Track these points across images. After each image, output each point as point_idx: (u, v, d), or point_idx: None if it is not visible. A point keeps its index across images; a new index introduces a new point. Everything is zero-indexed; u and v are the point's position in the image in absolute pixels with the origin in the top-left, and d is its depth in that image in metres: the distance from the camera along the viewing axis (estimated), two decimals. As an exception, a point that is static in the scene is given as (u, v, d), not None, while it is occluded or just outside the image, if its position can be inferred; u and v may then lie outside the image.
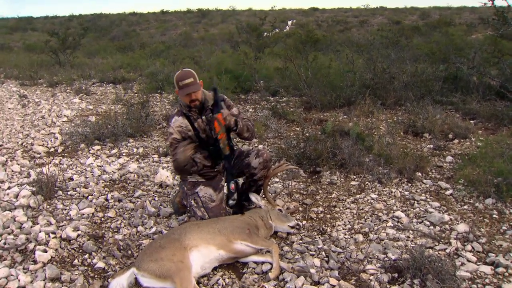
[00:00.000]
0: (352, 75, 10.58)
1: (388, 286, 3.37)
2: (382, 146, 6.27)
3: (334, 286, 3.32)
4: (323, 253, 3.83)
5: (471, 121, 8.27)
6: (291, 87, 11.03)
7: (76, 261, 3.69)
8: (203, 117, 4.19)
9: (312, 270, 3.47)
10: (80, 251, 3.86)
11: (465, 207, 4.74)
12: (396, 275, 3.49)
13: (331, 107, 9.69)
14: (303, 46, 11.80)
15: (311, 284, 3.36)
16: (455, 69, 10.48)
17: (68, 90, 12.71)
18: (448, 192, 5.09)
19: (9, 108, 10.14)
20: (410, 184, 5.37)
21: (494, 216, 4.50)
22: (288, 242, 4.09)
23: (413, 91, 9.70)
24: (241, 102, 10.47)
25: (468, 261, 3.71)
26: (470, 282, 3.44)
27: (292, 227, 4.18)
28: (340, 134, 6.66)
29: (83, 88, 12.42)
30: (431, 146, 6.87)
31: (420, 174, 5.64)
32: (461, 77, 10.20)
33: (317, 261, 3.66)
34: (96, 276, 3.50)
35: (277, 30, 19.38)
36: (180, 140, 4.09)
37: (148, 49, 19.76)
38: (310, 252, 3.85)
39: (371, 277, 3.47)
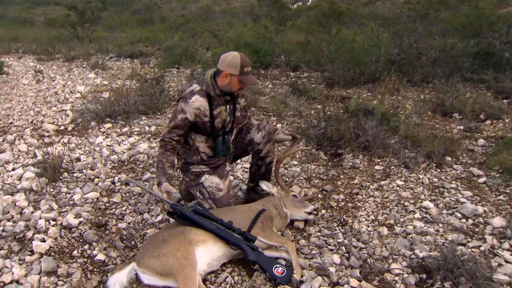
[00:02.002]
0: (377, 50, 10.03)
1: (415, 289, 3.01)
2: (409, 127, 5.83)
3: (355, 288, 2.99)
4: (343, 248, 3.48)
5: (504, 101, 7.71)
6: (312, 62, 10.54)
7: (75, 252, 3.43)
8: (229, 106, 3.84)
9: (331, 269, 3.13)
10: (81, 240, 3.60)
11: (501, 197, 4.32)
12: (424, 276, 3.13)
13: (354, 83, 9.22)
14: (326, 19, 11.30)
15: (329, 285, 3.03)
16: (486, 44, 9.83)
17: (84, 65, 12.48)
18: (481, 180, 4.65)
19: (24, 84, 9.96)
20: (439, 170, 4.95)
21: (534, 208, 4.07)
22: (305, 234, 3.75)
23: (441, 67, 9.14)
24: (260, 78, 10.05)
25: (506, 261, 3.31)
26: (508, 287, 3.06)
27: (309, 213, 3.84)
28: (363, 113, 6.22)
29: (100, 62, 12.16)
30: (461, 127, 6.39)
31: (449, 158, 5.20)
32: (493, 53, 9.55)
33: (336, 258, 3.32)
34: (95, 270, 3.24)
35: (299, 3, 18.73)
36: (187, 125, 3.68)
37: (167, 23, 19.36)
38: (329, 247, 3.51)
39: (396, 278, 3.11)
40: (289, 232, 3.75)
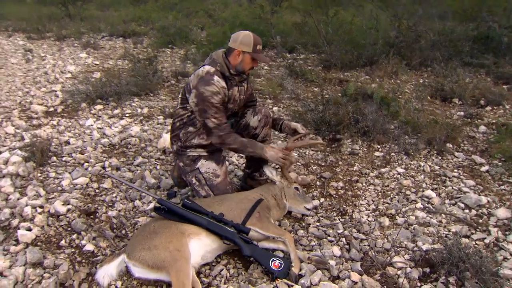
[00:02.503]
0: (375, 33, 9.84)
1: (419, 284, 2.88)
2: (409, 112, 5.68)
3: (356, 282, 2.85)
4: (344, 239, 3.34)
5: (504, 86, 7.58)
6: (309, 44, 10.32)
7: (63, 241, 3.25)
8: (240, 87, 3.70)
9: (332, 262, 2.99)
10: (69, 229, 3.42)
11: (504, 187, 4.20)
12: (427, 270, 3.00)
13: (352, 66, 9.06)
14: (324, 0, 11.01)
15: (329, 279, 2.89)
16: (486, 28, 9.65)
17: (75, 44, 12.16)
18: (483, 169, 4.53)
19: (12, 63, 9.65)
20: (440, 157, 4.81)
21: (539, 199, 3.96)
22: (303, 224, 3.60)
23: (440, 51, 8.98)
24: (256, 59, 9.80)
25: (512, 255, 3.20)
26: (515, 282, 2.94)
27: (308, 209, 3.69)
28: (362, 97, 6.05)
29: (91, 42, 11.84)
30: (462, 113, 6.26)
31: (451, 145, 5.06)
32: (493, 38, 9.39)
33: (336, 250, 3.18)
34: (83, 261, 3.07)
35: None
36: (223, 105, 3.50)
37: (161, 2, 18.91)
38: (329, 238, 3.37)
39: (399, 272, 2.98)
40: (287, 222, 3.60)
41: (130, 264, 2.80)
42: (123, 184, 3.99)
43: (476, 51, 9.07)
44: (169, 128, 5.59)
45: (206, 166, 3.62)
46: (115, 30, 13.65)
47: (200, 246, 2.94)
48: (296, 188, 3.67)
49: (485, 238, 3.39)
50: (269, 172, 3.67)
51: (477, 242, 3.35)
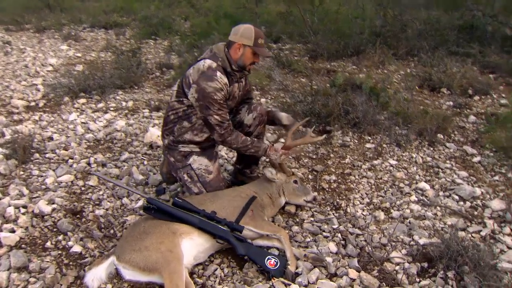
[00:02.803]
0: (361, 22, 9.77)
1: (417, 280, 2.82)
2: (399, 102, 5.62)
3: (354, 279, 2.78)
4: (339, 235, 3.27)
5: (491, 75, 7.58)
6: (295, 34, 10.19)
7: (48, 243, 3.11)
8: (239, 84, 3.58)
9: (329, 259, 2.92)
10: (54, 230, 3.28)
11: (496, 177, 4.18)
12: (425, 265, 2.95)
13: (338, 56, 8.95)
14: (309, -11, 10.89)
15: (326, 277, 2.82)
16: (470, 17, 9.65)
17: (56, 36, 11.81)
18: (475, 159, 4.50)
19: (-10, 56, 9.34)
20: (431, 148, 4.77)
21: (531, 189, 3.94)
22: (297, 220, 3.52)
23: (427, 40, 8.94)
24: (241, 50, 9.66)
25: (509, 248, 3.17)
26: (513, 275, 2.91)
27: (308, 202, 3.61)
28: (351, 88, 5.98)
29: (73, 33, 11.51)
30: (451, 103, 6.23)
31: (441, 136, 5.03)
32: (477, 26, 9.39)
33: (332, 246, 3.11)
34: (71, 263, 2.94)
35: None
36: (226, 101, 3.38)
37: (142, -9, 18.56)
38: (324, 234, 3.30)
39: (397, 268, 2.93)
40: (281, 218, 3.51)
41: (120, 267, 2.69)
42: (110, 182, 3.85)
43: (461, 40, 9.05)
44: (156, 122, 5.49)
45: (198, 162, 3.49)
46: (97, 21, 13.32)
47: (192, 246, 2.84)
48: (295, 181, 3.56)
49: (481, 231, 3.36)
50: (270, 173, 3.50)
51: (473, 235, 3.33)
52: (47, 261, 2.92)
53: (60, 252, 3.04)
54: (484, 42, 8.97)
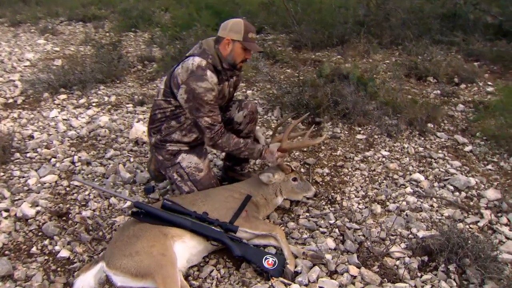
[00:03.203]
0: (345, 11, 9.69)
1: (419, 274, 2.76)
2: (388, 92, 5.56)
3: (355, 276, 2.71)
4: (337, 230, 3.18)
5: (475, 63, 7.58)
6: (278, 24, 10.06)
7: (34, 248, 2.97)
8: (229, 82, 3.42)
9: (328, 256, 2.83)
10: (40, 234, 3.13)
11: (489, 166, 4.14)
12: (426, 258, 2.89)
13: (323, 46, 8.86)
14: (290, -23, 10.74)
15: (327, 275, 2.74)
16: (452, 5, 9.65)
17: (32, 30, 11.45)
18: (467, 149, 4.46)
19: (-37, 51, 8.99)
20: (423, 138, 4.72)
21: (524, 178, 3.92)
22: (293, 216, 3.42)
23: (410, 29, 8.90)
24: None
25: (507, 238, 3.13)
26: (514, 266, 2.87)
27: (308, 198, 3.53)
28: (338, 78, 5.89)
29: (50, 27, 11.17)
30: (438, 91, 6.19)
31: (431, 125, 4.98)
32: (460, 15, 9.40)
33: (330, 242, 3.02)
34: (58, 269, 2.80)
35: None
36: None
37: (120, -18, 18.16)
38: (321, 229, 3.21)
39: (397, 263, 2.86)
40: (275, 214, 3.42)
41: (110, 273, 2.54)
42: (94, 188, 3.68)
43: (445, 29, 9.04)
44: (140, 116, 5.34)
45: (187, 160, 3.36)
46: (74, 14, 12.96)
47: (185, 249, 2.73)
48: (294, 179, 3.42)
49: (478, 221, 3.32)
50: (267, 178, 3.31)
51: (471, 226, 3.28)
52: (34, 268, 2.78)
53: (46, 257, 2.91)
54: (467, 30, 8.98)
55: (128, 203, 3.51)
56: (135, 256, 2.51)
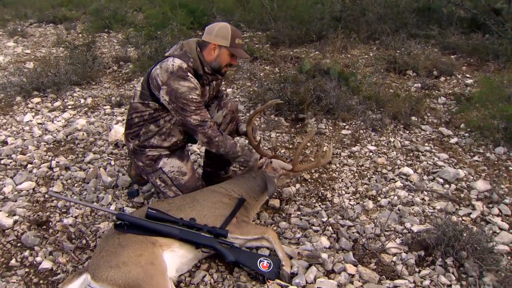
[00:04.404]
0: (321, 7, 9.66)
1: (417, 269, 2.71)
2: (371, 86, 5.53)
3: (353, 275, 2.63)
4: (330, 228, 3.11)
5: (452, 56, 7.64)
6: (255, 21, 9.98)
7: (13, 260, 2.80)
8: (211, 86, 3.28)
9: (324, 255, 2.75)
10: (19, 245, 2.95)
11: (476, 158, 4.13)
12: (422, 253, 2.84)
13: (300, 42, 8.82)
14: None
15: (324, 274, 2.65)
16: (426, -1, 9.76)
17: (0, 32, 11.08)
18: (452, 141, 4.45)
19: None
20: (408, 132, 4.70)
21: (511, 168, 3.91)
22: (284, 215, 3.33)
23: (387, 24, 8.94)
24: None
25: (501, 229, 3.11)
26: (509, 258, 2.85)
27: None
28: (319, 74, 5.83)
29: (19, 29, 10.82)
30: (419, 85, 6.19)
31: (415, 118, 4.96)
32: (434, 9, 9.50)
33: (325, 240, 2.95)
34: (41, 282, 2.64)
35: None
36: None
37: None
38: (314, 228, 3.13)
39: (394, 258, 2.80)
40: (266, 214, 3.32)
41: (96, 287, 2.38)
42: (71, 202, 3.47)
43: (421, 23, 9.11)
44: (119, 118, 5.17)
45: (169, 164, 3.20)
46: (44, 16, 12.61)
47: (174, 258, 2.59)
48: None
49: (470, 213, 3.29)
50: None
51: (463, 218, 3.24)
52: (14, 282, 2.62)
53: (27, 270, 2.74)
54: (442, 24, 9.07)
55: (112, 208, 3.36)
56: (123, 267, 2.34)
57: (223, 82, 6.36)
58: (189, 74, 2.95)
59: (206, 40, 3.04)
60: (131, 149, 3.27)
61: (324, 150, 4.21)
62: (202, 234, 2.67)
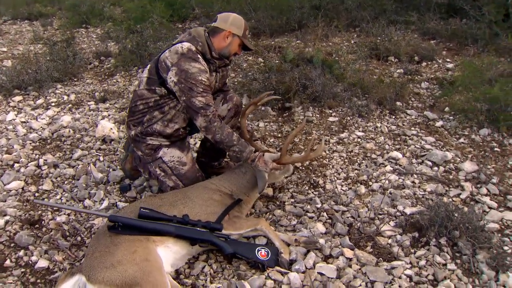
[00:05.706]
0: (300, -4, 9.67)
1: (412, 250, 2.76)
2: (356, 73, 5.57)
3: (351, 258, 2.67)
4: (325, 214, 3.14)
5: (432, 41, 7.73)
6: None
7: (8, 261, 2.76)
8: (218, 74, 3.28)
9: (321, 241, 2.78)
10: (12, 245, 2.91)
11: (462, 140, 4.21)
12: (416, 234, 2.89)
13: (281, 31, 8.81)
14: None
15: (322, 260, 2.68)
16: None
17: (-27, 31, 10.81)
18: (438, 124, 4.52)
19: None
20: (394, 117, 4.75)
21: (496, 149, 4.00)
22: (278, 203, 3.35)
23: (367, 11, 8.99)
24: (179, 32, 9.26)
25: (490, 207, 3.18)
26: (499, 235, 2.92)
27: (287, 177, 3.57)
28: (303, 62, 5.85)
29: (-7, 27, 10.60)
30: (401, 70, 6.26)
31: (400, 103, 5.02)
32: (411, -6, 9.59)
33: (320, 226, 2.98)
34: (38, 281, 2.61)
35: None
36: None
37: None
38: (309, 214, 3.16)
39: (389, 241, 2.85)
40: (260, 203, 3.34)
41: None
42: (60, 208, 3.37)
43: (399, 9, 9.17)
44: (104, 114, 5.11)
45: (169, 154, 3.20)
46: (18, 13, 12.32)
47: (169, 254, 2.59)
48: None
49: (460, 194, 3.35)
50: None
51: (454, 199, 3.31)
52: (10, 283, 2.59)
53: (23, 270, 2.71)
54: (421, 9, 9.15)
55: (105, 204, 3.33)
56: (118, 266, 2.30)
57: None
58: (199, 56, 2.97)
59: (219, 27, 3.08)
60: (132, 136, 3.26)
61: (314, 143, 4.22)
62: (198, 229, 2.67)
